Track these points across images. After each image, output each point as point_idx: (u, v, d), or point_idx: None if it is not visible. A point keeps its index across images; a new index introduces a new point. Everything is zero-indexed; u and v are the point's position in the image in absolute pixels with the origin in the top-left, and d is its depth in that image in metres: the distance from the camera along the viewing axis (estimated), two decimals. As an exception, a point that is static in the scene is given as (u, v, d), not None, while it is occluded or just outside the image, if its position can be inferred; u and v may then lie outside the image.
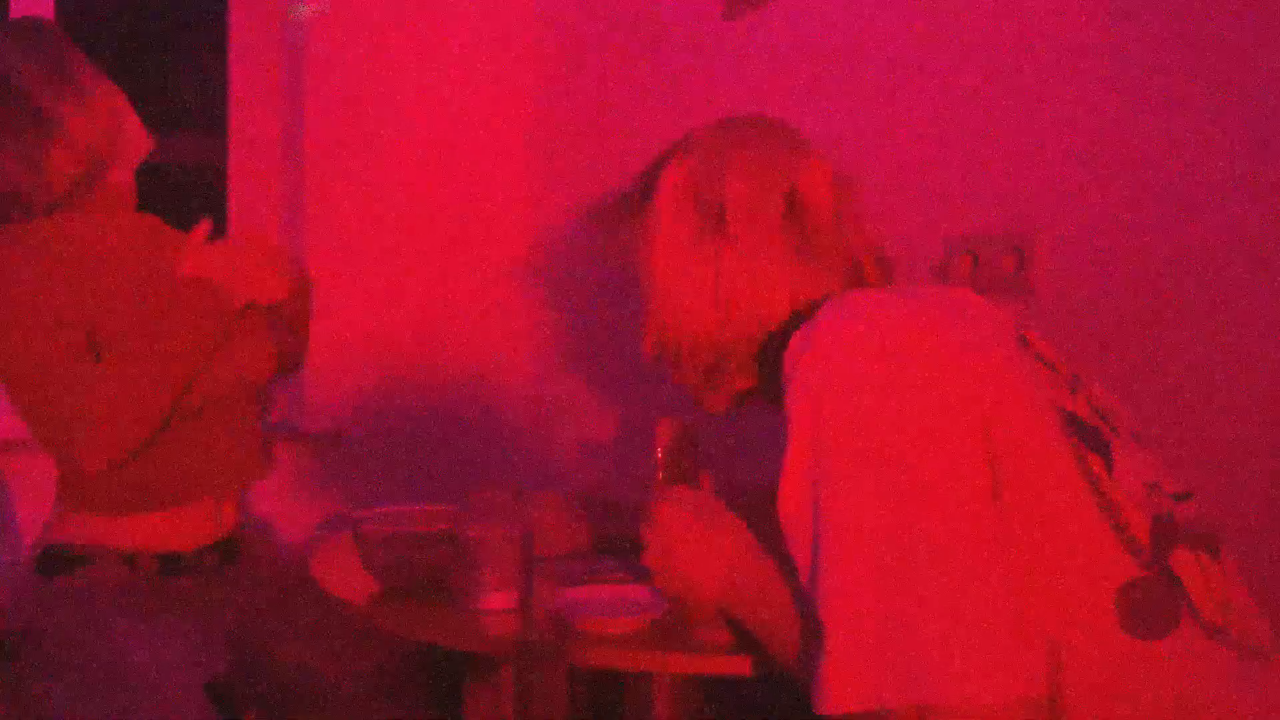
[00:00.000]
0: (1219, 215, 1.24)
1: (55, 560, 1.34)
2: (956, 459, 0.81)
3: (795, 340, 0.88)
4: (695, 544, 0.99)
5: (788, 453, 0.86)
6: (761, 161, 1.04)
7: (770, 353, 1.03)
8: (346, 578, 1.33)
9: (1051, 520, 0.82)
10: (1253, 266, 1.21)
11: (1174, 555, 0.84)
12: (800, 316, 1.00)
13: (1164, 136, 1.29)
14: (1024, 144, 1.44)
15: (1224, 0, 1.24)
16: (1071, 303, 1.38)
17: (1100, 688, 0.80)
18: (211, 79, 2.31)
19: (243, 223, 2.28)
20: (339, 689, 1.36)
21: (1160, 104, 1.30)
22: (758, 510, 0.99)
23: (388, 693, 1.40)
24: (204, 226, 1.38)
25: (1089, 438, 0.87)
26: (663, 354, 1.09)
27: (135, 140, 1.41)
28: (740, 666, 1.01)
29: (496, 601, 1.17)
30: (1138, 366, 1.29)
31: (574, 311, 2.31)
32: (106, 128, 1.35)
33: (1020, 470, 0.82)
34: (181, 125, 2.55)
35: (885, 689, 0.79)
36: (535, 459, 2.38)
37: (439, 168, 2.35)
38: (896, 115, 1.62)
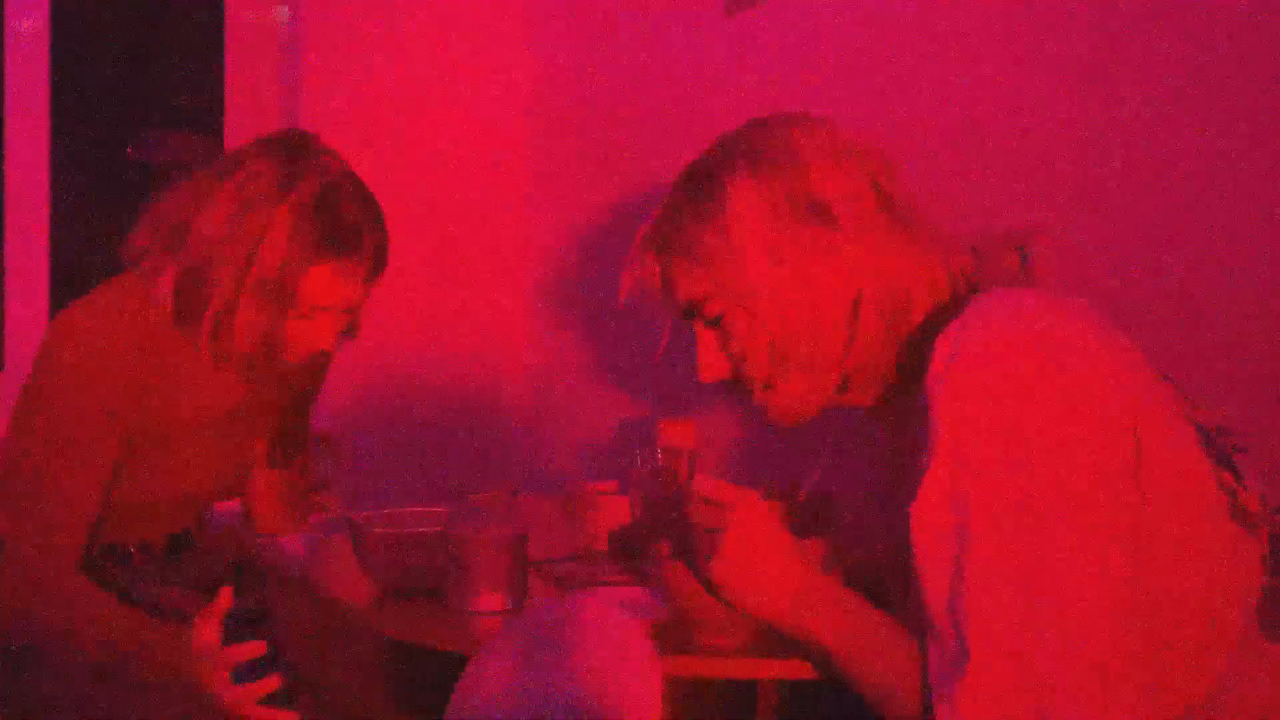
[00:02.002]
0: (1220, 214, 1.24)
1: None
2: (1110, 481, 0.80)
3: (942, 344, 0.85)
4: (773, 560, 0.93)
5: (931, 464, 0.83)
6: (839, 151, 0.99)
7: (905, 349, 0.98)
8: (345, 579, 1.32)
9: (1194, 531, 0.83)
10: (1254, 265, 1.21)
11: None
12: (937, 309, 0.96)
13: (1165, 136, 1.29)
14: (1024, 144, 1.44)
15: (1224, 0, 1.23)
16: (1073, 301, 1.37)
17: (1238, 690, 0.83)
18: (208, 78, 2.30)
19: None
20: (338, 692, 1.35)
21: (1161, 103, 1.29)
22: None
23: (387, 693, 1.39)
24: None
25: (1218, 450, 0.87)
26: (769, 373, 1.00)
27: None
28: (741, 670, 1.00)
29: (489, 603, 1.16)
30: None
31: (574, 312, 2.30)
32: None
33: (1167, 483, 0.82)
34: (178, 125, 2.55)
35: (1025, 710, 0.79)
36: (535, 460, 2.37)
37: (438, 167, 2.35)
38: (897, 114, 1.61)
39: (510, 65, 2.41)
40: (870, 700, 0.90)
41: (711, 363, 1.02)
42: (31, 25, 2.07)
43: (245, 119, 2.28)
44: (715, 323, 1.01)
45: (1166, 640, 0.82)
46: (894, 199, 0.99)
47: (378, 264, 1.32)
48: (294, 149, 1.30)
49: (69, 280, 2.19)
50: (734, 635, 1.02)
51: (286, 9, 2.26)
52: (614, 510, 1.45)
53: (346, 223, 1.27)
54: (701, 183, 1.01)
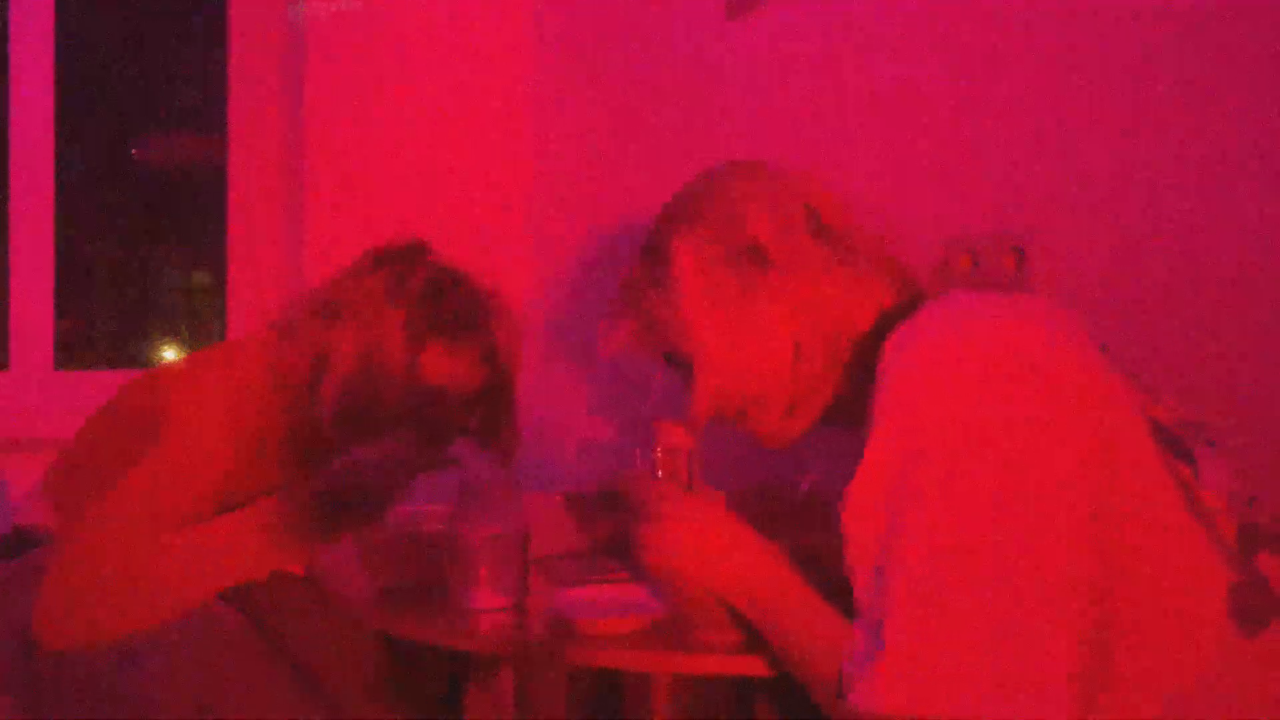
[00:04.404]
0: (1219, 214, 1.24)
1: (10, 542, 1.31)
2: (1048, 475, 0.81)
3: (893, 339, 0.88)
4: (706, 543, 0.97)
5: (869, 446, 0.85)
6: (769, 191, 1.04)
7: (855, 367, 1.02)
8: (345, 579, 1.33)
9: (1154, 526, 0.83)
10: (1253, 265, 1.21)
11: (1259, 557, 0.85)
12: (883, 323, 0.99)
13: (1163, 135, 1.29)
14: (1024, 144, 1.44)
15: (1222, 1, 1.24)
16: (1071, 303, 1.37)
17: (1215, 686, 0.82)
18: (211, 79, 2.30)
19: (242, 223, 2.29)
20: (339, 689, 1.36)
21: (1160, 103, 1.30)
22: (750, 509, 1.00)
23: (388, 693, 1.40)
24: None
25: (1175, 445, 0.87)
26: (725, 414, 1.07)
27: None
28: (739, 667, 1.01)
29: (492, 601, 1.17)
30: (1137, 366, 1.29)
31: (574, 312, 2.31)
32: None
33: (1119, 478, 0.83)
34: (181, 125, 2.55)
35: (935, 700, 0.79)
36: (535, 459, 2.38)
37: (439, 167, 2.35)
38: (897, 115, 1.62)
39: (513, 69, 2.42)
40: (793, 668, 0.93)
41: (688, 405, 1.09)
42: (35, 27, 2.07)
43: (249, 119, 2.29)
44: (689, 370, 1.07)
45: (1128, 638, 0.81)
46: (832, 227, 1.03)
47: (491, 353, 1.38)
48: (400, 258, 1.41)
49: (73, 281, 2.20)
50: (731, 633, 1.02)
51: (291, 10, 2.27)
52: (614, 509, 1.45)
53: (453, 310, 1.36)
54: (653, 245, 1.08)
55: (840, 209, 1.04)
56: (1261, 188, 1.21)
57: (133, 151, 2.54)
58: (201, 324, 2.80)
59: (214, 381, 1.30)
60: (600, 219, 2.23)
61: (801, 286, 1.01)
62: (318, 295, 1.40)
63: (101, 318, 2.71)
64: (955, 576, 0.80)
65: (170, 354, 2.71)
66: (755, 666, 0.99)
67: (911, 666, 0.80)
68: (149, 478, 1.23)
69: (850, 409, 1.03)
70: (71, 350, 2.24)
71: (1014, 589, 0.79)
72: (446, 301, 1.36)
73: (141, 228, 2.69)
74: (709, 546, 0.97)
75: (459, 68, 2.37)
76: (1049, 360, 0.83)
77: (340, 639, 1.38)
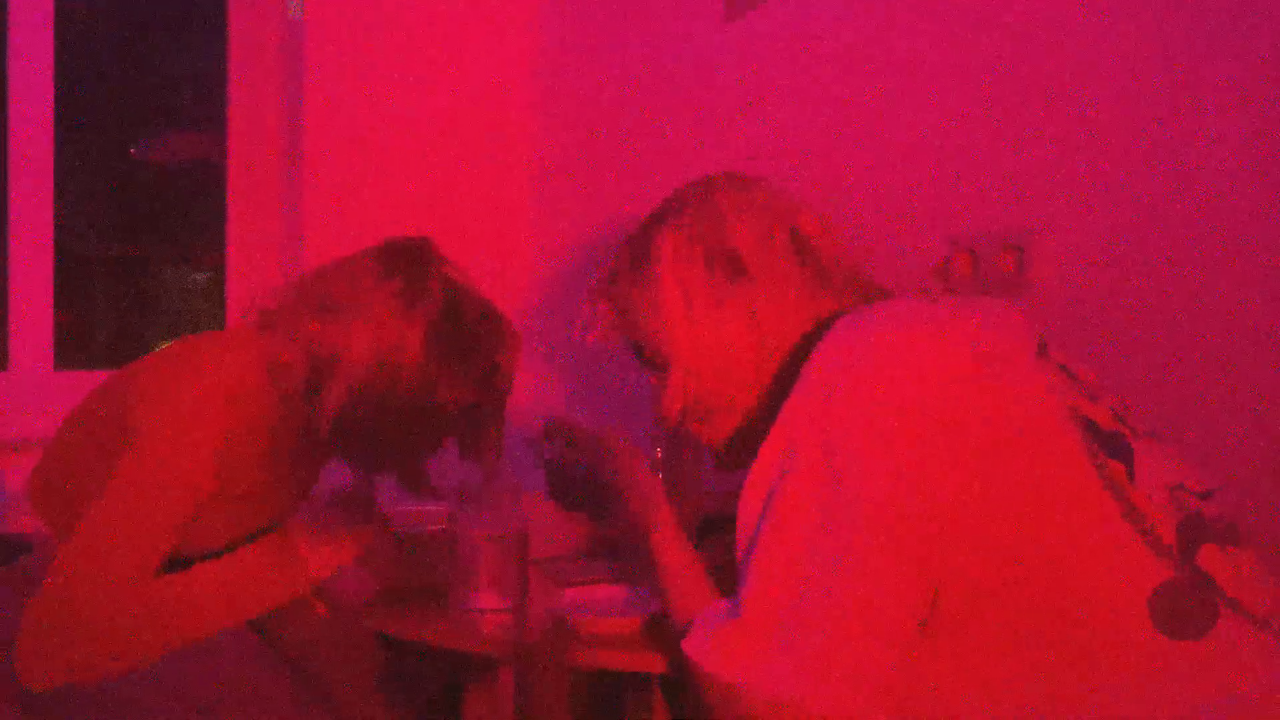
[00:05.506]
0: (1218, 214, 1.24)
1: (1, 548, 1.30)
2: (917, 481, 0.82)
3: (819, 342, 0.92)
4: (633, 480, 1.09)
5: (770, 434, 0.89)
6: (757, 206, 1.07)
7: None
8: (345, 579, 1.33)
9: (1074, 530, 0.83)
10: (1252, 265, 1.21)
11: (1201, 553, 0.84)
12: None
13: (1163, 135, 1.29)
14: (1024, 144, 1.44)
15: (1221, 1, 1.24)
16: (1071, 302, 1.38)
17: (1139, 693, 0.80)
18: (211, 77, 2.30)
19: (242, 222, 2.29)
20: (339, 689, 1.36)
21: (1160, 103, 1.30)
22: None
23: (388, 693, 1.40)
24: None
25: (1109, 444, 0.87)
26: (689, 416, 1.09)
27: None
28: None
29: (492, 601, 1.17)
30: (1136, 366, 1.29)
31: (573, 313, 2.31)
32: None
33: (1038, 482, 0.83)
34: (181, 124, 2.55)
35: (769, 675, 0.84)
36: (534, 459, 2.38)
37: (439, 166, 2.35)
38: (897, 115, 1.62)
39: (512, 71, 2.42)
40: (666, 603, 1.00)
41: (658, 403, 1.11)
42: (36, 26, 2.07)
43: (249, 117, 2.29)
44: (654, 367, 1.10)
45: (1047, 640, 0.81)
46: (815, 251, 1.06)
47: (491, 374, 1.35)
48: (414, 263, 1.35)
49: (72, 280, 2.20)
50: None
51: (291, 8, 2.27)
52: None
53: (466, 328, 1.31)
54: (638, 240, 1.11)
55: (826, 234, 1.07)
56: (1260, 187, 1.21)
57: (132, 151, 2.54)
58: (201, 323, 2.80)
59: (194, 383, 1.21)
60: (597, 218, 2.23)
61: (773, 301, 1.04)
62: (314, 289, 1.31)
63: (101, 317, 2.72)
64: (804, 569, 0.84)
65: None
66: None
67: (746, 641, 0.85)
68: (122, 501, 1.15)
69: None
70: (71, 349, 2.24)
71: (855, 589, 0.82)
72: (462, 319, 1.31)
73: (141, 226, 2.69)
74: (621, 493, 1.08)
75: (458, 66, 2.37)
76: (940, 366, 0.85)
77: (340, 639, 1.38)
